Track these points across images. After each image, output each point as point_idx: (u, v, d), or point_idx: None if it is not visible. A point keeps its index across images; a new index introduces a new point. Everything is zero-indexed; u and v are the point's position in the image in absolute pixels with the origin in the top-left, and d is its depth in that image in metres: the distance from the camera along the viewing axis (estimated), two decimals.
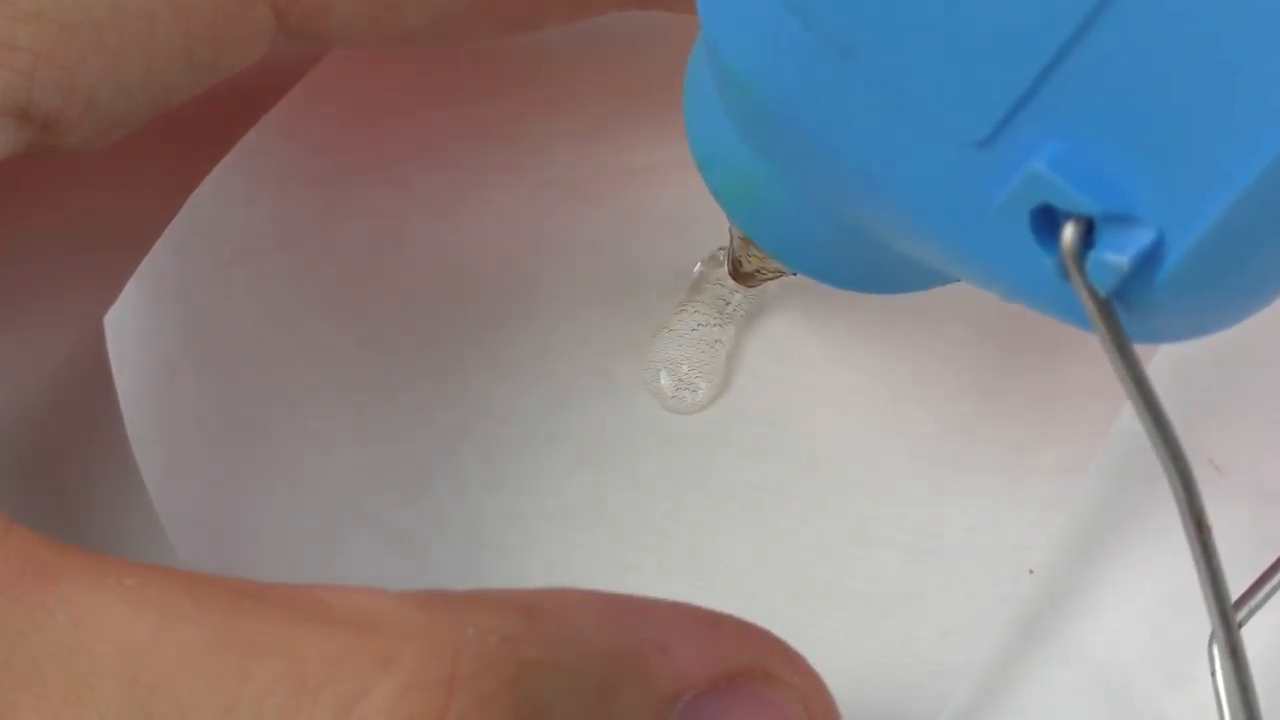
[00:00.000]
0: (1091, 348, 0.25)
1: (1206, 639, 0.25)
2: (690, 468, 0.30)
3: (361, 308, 0.31)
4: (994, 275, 0.20)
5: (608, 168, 0.33)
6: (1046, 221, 0.18)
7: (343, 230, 0.31)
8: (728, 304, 0.31)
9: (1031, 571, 0.27)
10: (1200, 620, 0.25)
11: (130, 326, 0.27)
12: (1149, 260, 0.18)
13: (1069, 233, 0.18)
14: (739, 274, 0.29)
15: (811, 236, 0.24)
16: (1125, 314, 0.18)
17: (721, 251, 0.31)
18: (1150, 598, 0.26)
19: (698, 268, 0.31)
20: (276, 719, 0.19)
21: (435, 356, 0.31)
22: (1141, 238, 0.18)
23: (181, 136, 0.29)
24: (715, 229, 0.32)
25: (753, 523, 0.29)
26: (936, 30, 0.18)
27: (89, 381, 0.28)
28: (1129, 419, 0.27)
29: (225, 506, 0.28)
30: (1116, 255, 0.18)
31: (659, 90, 0.33)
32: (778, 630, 0.23)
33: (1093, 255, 0.18)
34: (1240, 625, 0.22)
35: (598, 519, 0.29)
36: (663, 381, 0.30)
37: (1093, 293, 0.18)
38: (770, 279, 0.28)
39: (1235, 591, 0.25)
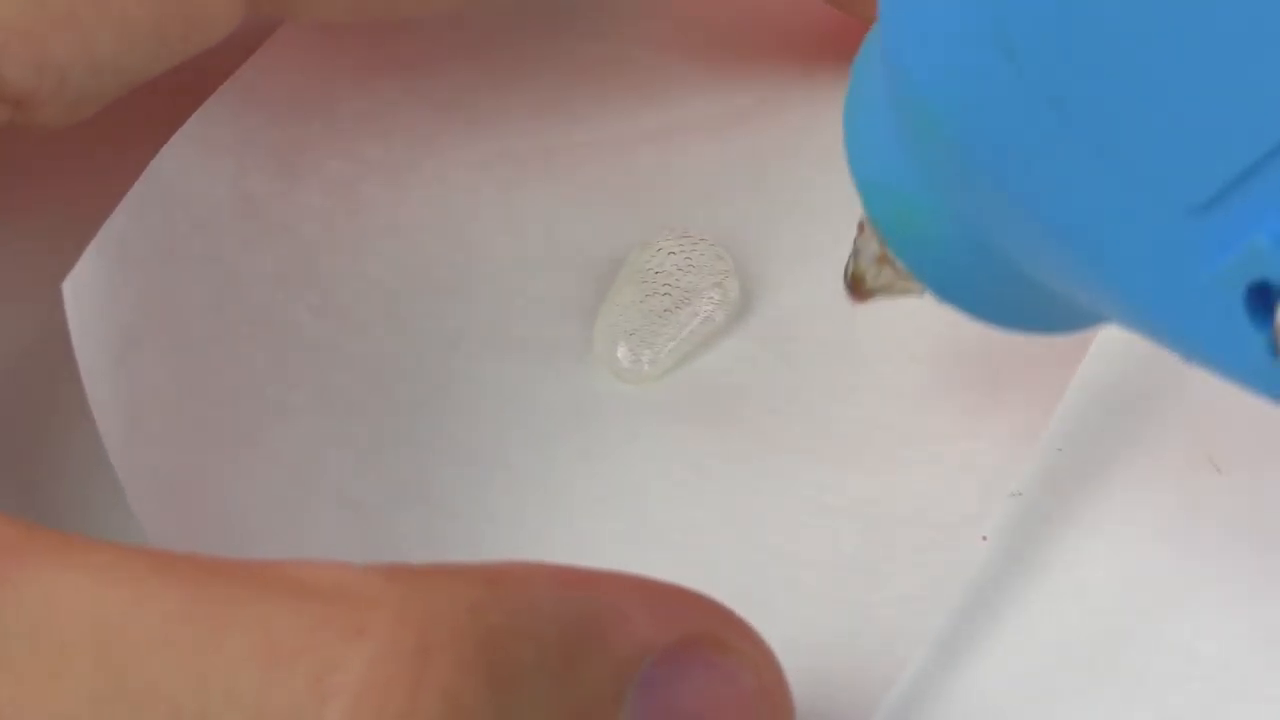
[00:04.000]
0: None
1: (1158, 601, 0.25)
2: (645, 438, 0.30)
3: (318, 277, 0.31)
4: (1186, 341, 0.19)
5: (563, 140, 0.33)
6: (1259, 298, 0.17)
7: (299, 200, 0.31)
8: (677, 280, 0.31)
9: (985, 538, 0.27)
10: (1150, 584, 0.26)
11: (89, 293, 0.27)
12: None
13: None
14: (859, 290, 0.27)
15: (976, 276, 0.23)
16: None
17: (669, 237, 0.31)
18: (1102, 565, 0.26)
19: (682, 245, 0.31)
20: (249, 691, 0.19)
21: (391, 326, 0.31)
22: None
23: (139, 103, 0.29)
24: (669, 202, 0.32)
25: (707, 492, 0.29)
26: (1163, 88, 0.17)
27: (49, 348, 0.28)
28: (1081, 385, 0.27)
29: (186, 473, 0.28)
30: None
31: (614, 63, 0.33)
32: (733, 599, 0.23)
33: None
34: None
35: (553, 489, 0.29)
36: (618, 353, 0.30)
37: None
38: (892, 297, 0.27)
39: (1237, 590, 0.25)
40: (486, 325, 0.31)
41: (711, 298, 0.31)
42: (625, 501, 0.29)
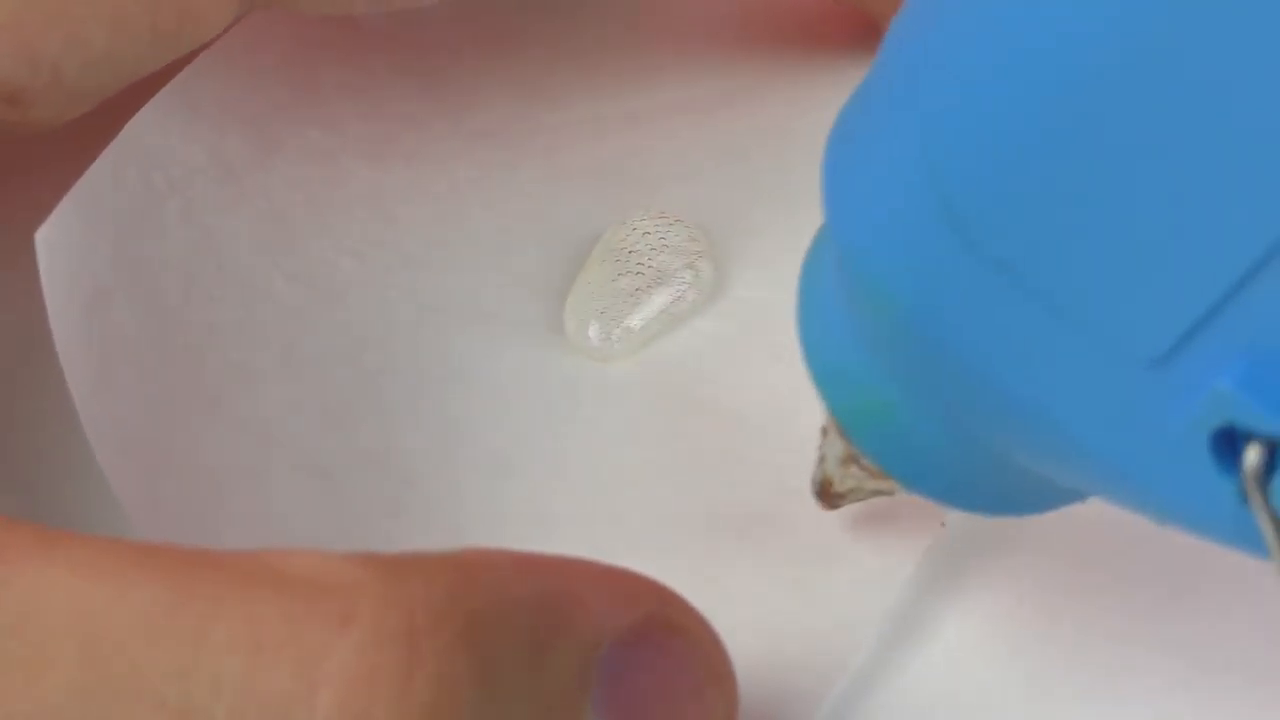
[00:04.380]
0: None
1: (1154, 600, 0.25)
2: (612, 415, 0.30)
3: (291, 244, 0.31)
4: (1155, 499, 0.19)
5: (545, 119, 0.33)
6: (1226, 444, 0.17)
7: (277, 167, 0.32)
8: (650, 260, 0.31)
9: (944, 524, 0.27)
10: (1143, 585, 0.26)
11: (63, 245, 0.27)
12: None
13: (1253, 456, 0.17)
14: (828, 494, 0.27)
15: (945, 461, 0.23)
16: None
17: (645, 216, 0.31)
18: (1057, 550, 0.27)
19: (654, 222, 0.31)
20: (235, 681, 0.19)
21: (363, 295, 0.31)
22: None
23: (133, 101, 0.29)
24: (649, 182, 0.33)
25: (670, 471, 0.29)
26: (1113, 245, 0.17)
27: (40, 345, 0.28)
28: None
29: (152, 429, 0.28)
30: None
31: (598, 44, 0.33)
32: (690, 578, 0.23)
33: (1278, 478, 0.17)
34: None
35: (517, 462, 0.30)
36: (588, 330, 0.31)
37: (1275, 519, 0.17)
38: (862, 499, 0.27)
39: (1235, 589, 0.26)
40: (460, 299, 0.31)
41: (684, 279, 0.31)
42: (588, 477, 0.29)
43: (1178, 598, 0.26)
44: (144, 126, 0.29)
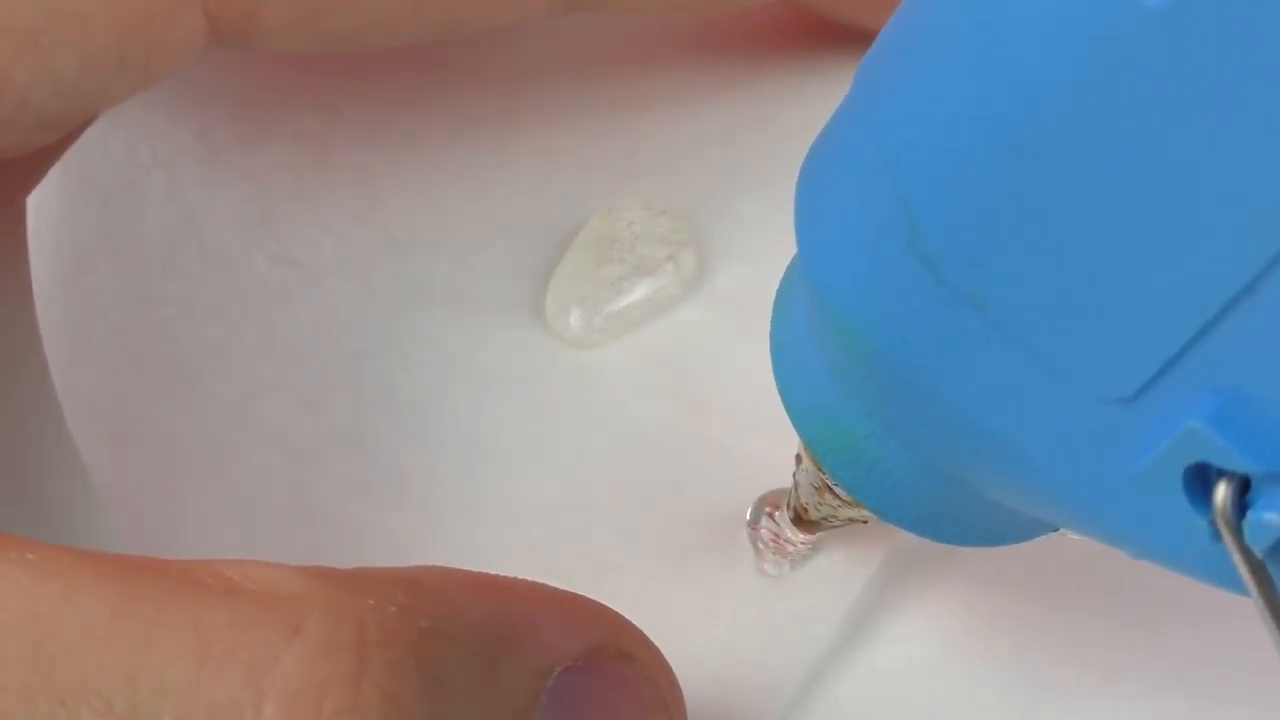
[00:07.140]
0: None
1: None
2: (588, 402, 0.30)
3: (277, 225, 0.31)
4: (1127, 534, 0.19)
5: (534, 106, 0.33)
6: (1198, 480, 0.17)
7: (266, 148, 0.32)
8: (633, 249, 0.31)
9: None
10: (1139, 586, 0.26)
11: (50, 211, 0.27)
12: None
13: (1223, 493, 0.17)
14: (803, 521, 0.27)
15: (917, 493, 0.23)
16: (1276, 572, 0.17)
17: (630, 206, 0.31)
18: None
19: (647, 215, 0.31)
20: (182, 687, 0.19)
21: (345, 277, 0.31)
22: None
23: None
24: (630, 172, 0.33)
25: (643, 458, 0.29)
26: (1082, 284, 0.17)
27: (6, 263, 0.28)
28: None
29: (124, 401, 0.28)
30: (1278, 515, 0.17)
31: (588, 31, 0.33)
32: (654, 564, 0.23)
33: (1251, 515, 0.17)
34: None
35: (494, 449, 0.30)
36: (569, 317, 0.31)
37: (1248, 555, 0.17)
38: (837, 526, 0.27)
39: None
40: (442, 282, 0.31)
41: (665, 269, 0.31)
42: (560, 462, 0.29)
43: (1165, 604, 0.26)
44: (133, 101, 0.29)
